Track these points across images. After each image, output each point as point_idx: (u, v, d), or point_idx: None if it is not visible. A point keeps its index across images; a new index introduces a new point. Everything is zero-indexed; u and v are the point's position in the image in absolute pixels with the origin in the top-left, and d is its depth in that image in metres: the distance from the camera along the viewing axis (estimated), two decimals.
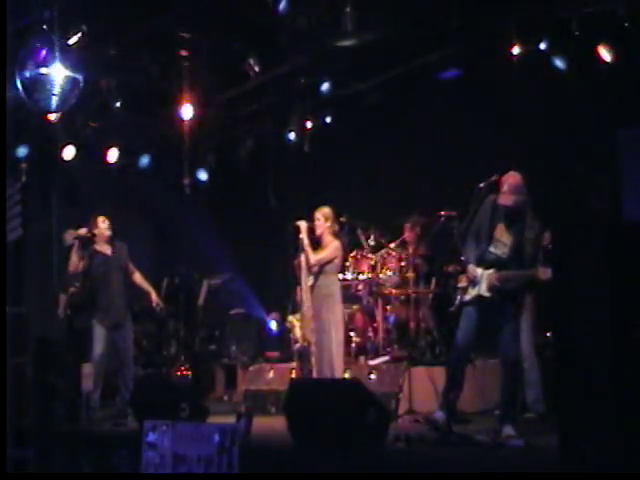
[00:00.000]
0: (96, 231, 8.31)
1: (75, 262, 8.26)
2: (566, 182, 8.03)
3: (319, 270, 7.96)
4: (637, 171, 7.28)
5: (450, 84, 9.02)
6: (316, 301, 7.95)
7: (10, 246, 8.59)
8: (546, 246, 6.46)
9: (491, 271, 6.33)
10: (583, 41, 7.88)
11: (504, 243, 6.36)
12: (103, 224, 8.35)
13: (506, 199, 6.31)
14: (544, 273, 6.01)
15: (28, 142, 9.82)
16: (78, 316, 8.74)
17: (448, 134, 9.47)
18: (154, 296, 8.59)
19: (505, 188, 6.32)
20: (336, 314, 7.94)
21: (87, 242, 8.31)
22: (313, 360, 8.02)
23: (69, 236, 8.48)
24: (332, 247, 7.98)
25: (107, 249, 8.37)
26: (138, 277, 8.57)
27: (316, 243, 8.18)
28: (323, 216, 8.00)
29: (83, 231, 8.28)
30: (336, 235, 8.12)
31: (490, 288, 6.32)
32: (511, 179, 6.34)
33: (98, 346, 8.14)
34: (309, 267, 7.99)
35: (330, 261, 7.94)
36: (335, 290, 7.99)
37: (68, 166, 10.39)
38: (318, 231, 7.99)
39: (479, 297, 6.38)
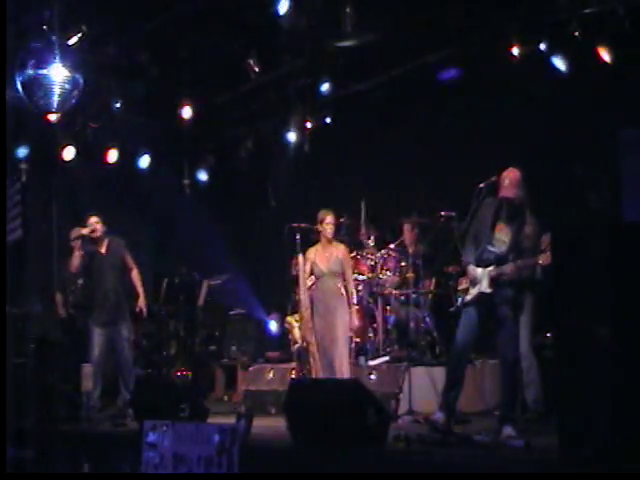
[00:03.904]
0: (87, 230, 8.29)
1: (77, 261, 8.27)
2: (566, 182, 8.03)
3: (328, 271, 8.04)
4: (637, 171, 7.27)
5: (450, 84, 9.02)
6: (325, 300, 8.02)
7: (10, 246, 8.59)
8: (544, 250, 6.45)
9: (491, 268, 6.34)
10: (583, 41, 7.88)
11: (503, 241, 6.37)
12: (96, 224, 8.33)
13: (508, 192, 6.36)
14: (545, 259, 6.04)
15: (28, 142, 9.83)
16: (80, 315, 8.75)
17: (448, 134, 9.46)
18: (141, 301, 8.52)
19: (506, 182, 6.37)
20: (344, 313, 8.03)
21: (89, 241, 8.32)
22: (312, 360, 8.02)
23: (74, 234, 8.49)
24: (347, 254, 8.29)
25: (101, 248, 8.38)
26: (134, 275, 8.55)
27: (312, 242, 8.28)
28: (333, 219, 8.15)
29: (86, 230, 8.29)
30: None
31: (491, 284, 6.33)
32: (511, 174, 6.40)
33: (95, 345, 8.16)
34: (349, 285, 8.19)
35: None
36: (342, 290, 8.09)
37: (68, 166, 10.39)
38: (330, 235, 8.13)
39: (480, 294, 6.38)
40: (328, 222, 8.10)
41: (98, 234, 8.35)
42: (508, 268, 6.27)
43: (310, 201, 9.51)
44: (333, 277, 8.09)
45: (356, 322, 8.23)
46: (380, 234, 9.47)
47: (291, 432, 6.10)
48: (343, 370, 7.87)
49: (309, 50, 8.95)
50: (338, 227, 8.51)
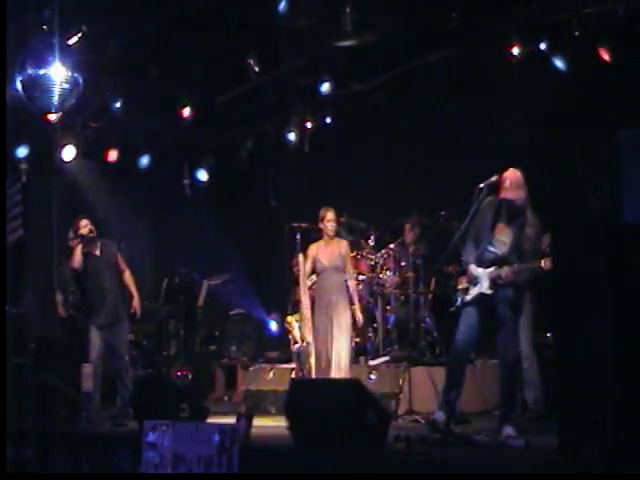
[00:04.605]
0: (86, 230, 8.28)
1: (79, 259, 8.25)
2: (566, 182, 8.03)
3: (330, 265, 8.06)
4: (637, 171, 7.27)
5: (450, 84, 9.03)
6: (327, 296, 8.05)
7: (10, 246, 8.58)
8: (545, 249, 6.45)
9: (492, 269, 6.33)
10: (583, 41, 7.88)
11: (504, 241, 6.36)
12: (86, 226, 8.31)
13: (509, 194, 6.35)
14: (546, 263, 6.03)
15: (28, 142, 9.83)
16: (80, 316, 8.75)
17: (448, 134, 9.46)
18: (135, 301, 8.48)
19: (507, 184, 6.35)
20: (346, 311, 8.11)
21: (90, 241, 8.29)
22: (312, 360, 8.02)
23: (72, 236, 8.48)
24: (349, 250, 8.36)
25: (95, 249, 8.36)
26: (127, 276, 8.52)
27: (313, 240, 8.29)
28: (334, 216, 8.20)
29: (85, 230, 8.28)
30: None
31: (492, 285, 6.32)
32: (512, 175, 6.39)
33: (94, 347, 8.14)
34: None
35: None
36: (344, 285, 8.15)
37: (68, 166, 10.39)
38: (332, 232, 8.18)
39: (481, 295, 6.37)
40: (329, 219, 8.14)
41: (95, 234, 8.34)
42: (508, 271, 6.26)
43: (310, 201, 9.51)
44: (336, 272, 8.12)
45: (361, 318, 8.25)
46: (380, 234, 9.48)
47: (291, 432, 6.10)
48: (343, 368, 7.87)
49: (309, 50, 8.95)
50: (339, 224, 8.53)
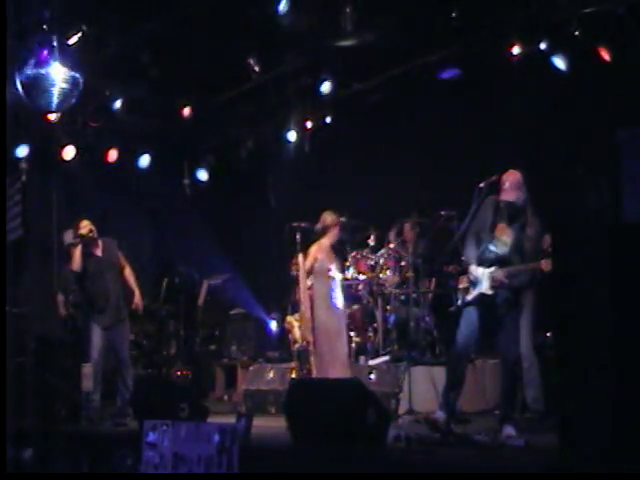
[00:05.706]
0: (86, 230, 8.28)
1: (78, 261, 8.25)
2: (566, 182, 8.03)
3: (336, 267, 8.08)
4: (637, 171, 7.26)
5: (450, 84, 9.03)
6: (337, 293, 8.03)
7: (10, 246, 8.59)
8: (546, 249, 6.45)
9: (492, 269, 6.34)
10: (583, 41, 7.88)
11: (504, 242, 6.37)
12: (86, 227, 8.31)
13: (508, 195, 6.36)
14: (546, 265, 6.04)
15: (28, 142, 9.83)
16: (80, 315, 8.75)
17: (448, 134, 9.46)
18: (137, 298, 8.49)
19: (506, 185, 6.37)
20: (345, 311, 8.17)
21: (89, 242, 8.29)
22: (312, 360, 8.01)
23: (68, 236, 8.48)
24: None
25: (97, 250, 8.36)
26: (128, 272, 8.53)
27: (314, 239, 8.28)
28: (342, 225, 8.20)
29: (85, 231, 8.27)
30: None
31: (492, 286, 6.32)
32: (511, 176, 6.40)
33: (95, 346, 8.15)
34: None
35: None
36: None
37: (68, 166, 10.39)
38: (338, 238, 8.13)
39: (481, 295, 6.38)
40: (341, 228, 8.12)
41: (95, 235, 8.34)
42: (501, 274, 6.27)
43: (310, 201, 9.51)
44: (339, 274, 8.11)
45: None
46: (380, 234, 9.48)
47: (291, 432, 6.10)
48: (347, 364, 7.88)
49: (309, 50, 8.95)
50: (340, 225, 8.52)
